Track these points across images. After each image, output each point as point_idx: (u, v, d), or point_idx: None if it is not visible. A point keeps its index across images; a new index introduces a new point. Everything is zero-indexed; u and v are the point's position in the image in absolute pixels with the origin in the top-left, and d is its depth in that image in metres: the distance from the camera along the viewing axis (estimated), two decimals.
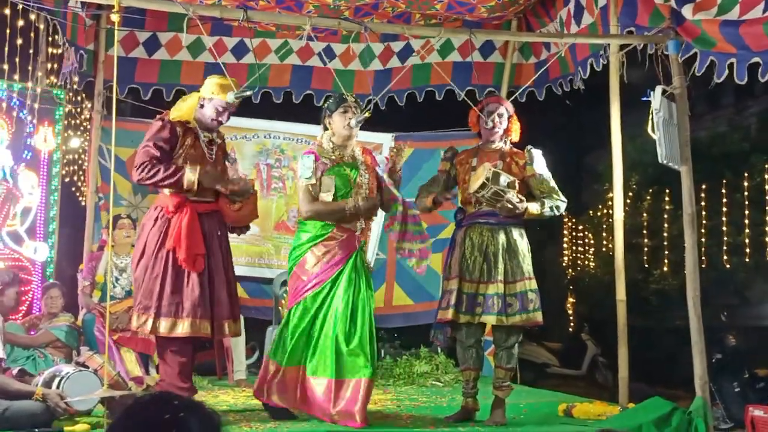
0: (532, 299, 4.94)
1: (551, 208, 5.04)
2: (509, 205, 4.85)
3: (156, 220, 4.79)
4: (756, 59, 4.76)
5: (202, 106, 4.87)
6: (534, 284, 5.00)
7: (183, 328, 4.63)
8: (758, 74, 4.77)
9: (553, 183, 5.10)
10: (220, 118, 4.89)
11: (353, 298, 4.75)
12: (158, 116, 4.90)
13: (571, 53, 6.83)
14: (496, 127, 5.14)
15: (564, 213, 5.20)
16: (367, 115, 4.90)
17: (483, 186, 4.83)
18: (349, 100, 4.90)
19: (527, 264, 5.02)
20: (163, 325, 4.63)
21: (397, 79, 7.03)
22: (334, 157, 4.88)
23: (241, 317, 6.86)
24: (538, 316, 4.97)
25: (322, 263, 4.79)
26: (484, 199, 4.89)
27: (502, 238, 4.98)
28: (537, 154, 5.11)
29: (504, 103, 5.30)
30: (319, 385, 4.69)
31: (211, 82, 4.90)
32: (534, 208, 4.97)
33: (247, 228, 5.19)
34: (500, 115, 5.16)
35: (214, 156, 4.94)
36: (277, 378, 4.79)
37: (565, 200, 5.13)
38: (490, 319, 4.94)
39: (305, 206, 4.86)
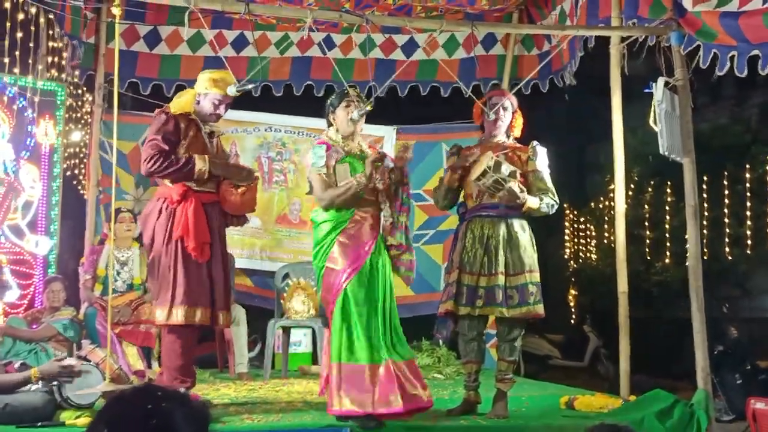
0: (533, 292, 4.92)
1: (547, 205, 5.03)
2: (510, 195, 4.84)
3: (160, 211, 4.82)
4: (755, 52, 4.74)
5: (198, 102, 4.92)
6: (536, 277, 4.98)
7: (196, 317, 4.71)
8: (758, 66, 4.74)
9: (550, 183, 5.08)
10: (218, 111, 4.95)
11: (386, 284, 4.65)
12: (159, 110, 4.93)
13: (570, 45, 6.83)
14: (499, 119, 5.13)
15: (566, 205, 5.19)
16: (368, 108, 4.85)
17: (484, 173, 4.82)
18: (351, 94, 4.84)
19: (529, 256, 4.99)
20: (179, 314, 4.68)
21: (402, 71, 7.01)
22: (344, 149, 4.82)
23: (243, 310, 6.91)
24: (539, 309, 4.95)
25: (351, 250, 4.59)
26: (485, 187, 4.88)
27: (503, 230, 4.97)
28: (541, 151, 5.09)
29: (508, 96, 5.27)
30: (397, 367, 4.47)
31: (204, 77, 4.94)
32: (533, 201, 4.95)
33: (246, 219, 5.23)
34: (504, 108, 5.14)
35: (215, 148, 5.01)
36: (348, 378, 4.43)
37: (558, 202, 5.13)
38: (490, 312, 4.93)
39: (321, 194, 4.66)
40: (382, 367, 4.44)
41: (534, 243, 5.09)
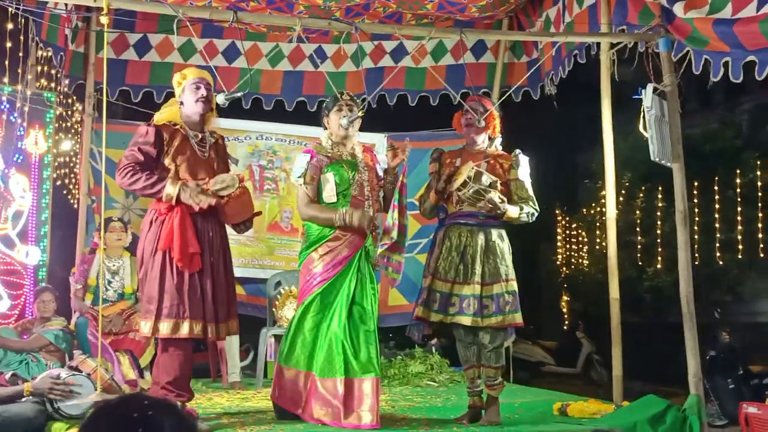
0: (509, 301, 4.88)
1: (527, 214, 5.01)
2: (490, 205, 4.83)
3: (151, 223, 4.71)
4: (751, 58, 4.74)
5: (182, 103, 4.80)
6: (512, 286, 4.93)
7: (183, 330, 4.55)
8: (754, 72, 4.73)
9: (531, 191, 5.07)
10: (200, 95, 4.75)
11: (358, 300, 4.74)
12: (144, 123, 4.82)
13: (556, 52, 6.85)
14: (470, 124, 5.11)
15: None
16: (359, 113, 4.89)
17: (464, 184, 4.81)
18: (343, 98, 4.92)
19: (505, 266, 4.95)
20: (165, 327, 4.54)
21: (390, 79, 7.02)
22: (332, 155, 4.89)
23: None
24: (517, 318, 4.89)
25: (324, 263, 4.78)
26: (465, 197, 4.86)
27: (480, 239, 4.94)
28: (523, 159, 5.08)
29: (481, 100, 5.27)
30: (328, 385, 4.64)
31: (175, 78, 4.87)
32: (513, 211, 4.93)
33: (248, 225, 4.98)
34: (475, 111, 5.12)
35: (207, 154, 4.81)
36: (283, 379, 4.79)
37: (539, 210, 5.11)
38: (464, 320, 4.87)
39: (302, 209, 4.92)
40: (320, 380, 4.68)
41: (511, 252, 5.07)
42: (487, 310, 4.87)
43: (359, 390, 4.62)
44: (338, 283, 4.77)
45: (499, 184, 4.90)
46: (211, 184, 4.66)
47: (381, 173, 5.04)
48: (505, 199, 4.91)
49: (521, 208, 4.98)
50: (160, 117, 4.79)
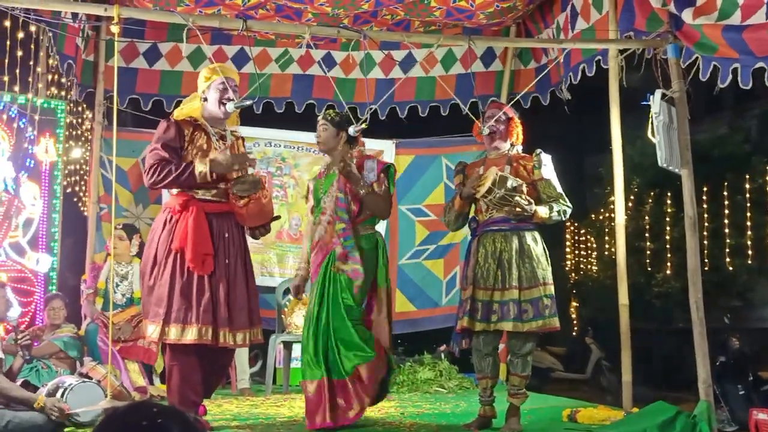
0: (548, 305, 4.91)
1: (558, 212, 5.01)
2: (518, 209, 4.85)
3: (165, 223, 4.59)
4: (760, 64, 4.73)
5: (205, 99, 4.72)
6: (550, 289, 4.97)
7: (190, 335, 4.39)
8: (763, 78, 4.73)
9: (559, 188, 5.07)
10: (226, 96, 4.68)
11: (330, 299, 4.81)
12: (164, 119, 4.74)
13: (565, 59, 6.84)
14: (494, 132, 5.12)
15: (566, 217, 5.17)
16: (343, 136, 4.93)
17: (490, 191, 4.83)
18: (318, 121, 5.01)
19: (542, 269, 4.98)
20: (173, 332, 4.40)
21: (401, 91, 6.99)
22: (325, 170, 5.00)
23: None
24: (555, 322, 4.94)
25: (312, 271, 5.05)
26: (492, 203, 4.89)
27: (515, 244, 4.95)
28: (546, 158, 5.09)
29: (502, 107, 5.29)
30: (310, 386, 4.72)
31: (201, 75, 4.80)
32: (542, 211, 4.95)
33: (267, 229, 4.88)
34: (497, 120, 5.13)
35: (227, 151, 4.67)
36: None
37: (571, 206, 5.11)
38: (506, 326, 4.89)
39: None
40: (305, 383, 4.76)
41: (547, 255, 5.09)
42: (527, 314, 4.89)
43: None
44: (316, 286, 4.89)
45: (524, 187, 4.90)
46: (231, 185, 4.63)
47: (367, 180, 4.93)
48: (532, 201, 4.93)
49: (551, 208, 4.99)
50: (180, 112, 4.73)
